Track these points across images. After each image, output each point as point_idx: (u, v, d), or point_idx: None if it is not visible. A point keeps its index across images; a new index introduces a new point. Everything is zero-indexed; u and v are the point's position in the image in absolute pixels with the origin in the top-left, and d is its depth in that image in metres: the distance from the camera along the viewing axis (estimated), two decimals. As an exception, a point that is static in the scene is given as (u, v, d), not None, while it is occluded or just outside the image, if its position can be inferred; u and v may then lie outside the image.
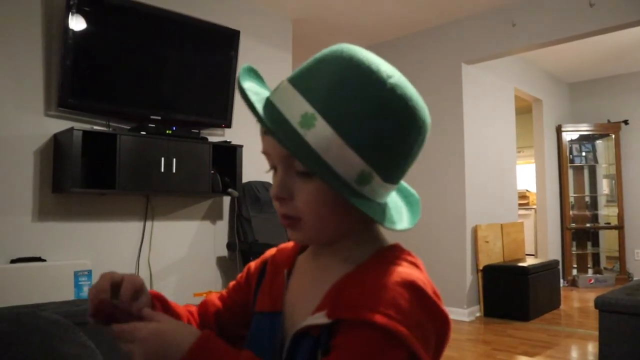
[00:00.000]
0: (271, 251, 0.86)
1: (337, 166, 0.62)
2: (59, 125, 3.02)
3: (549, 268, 4.95)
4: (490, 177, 5.04)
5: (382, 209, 0.69)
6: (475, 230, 4.68)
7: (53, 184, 3.00)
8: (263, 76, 0.76)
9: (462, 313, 4.53)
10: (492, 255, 4.87)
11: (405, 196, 0.78)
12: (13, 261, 2.82)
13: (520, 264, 4.72)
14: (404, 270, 0.65)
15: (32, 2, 3.01)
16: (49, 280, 2.78)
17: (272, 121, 0.64)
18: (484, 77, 5.03)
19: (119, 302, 0.69)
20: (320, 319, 0.63)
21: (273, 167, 0.71)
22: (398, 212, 0.73)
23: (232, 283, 0.90)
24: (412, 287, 0.63)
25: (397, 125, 0.64)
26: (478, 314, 4.70)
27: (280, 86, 0.67)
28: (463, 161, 4.63)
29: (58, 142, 2.99)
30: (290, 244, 0.83)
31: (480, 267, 4.69)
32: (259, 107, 0.65)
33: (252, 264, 0.88)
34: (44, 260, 2.90)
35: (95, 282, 0.72)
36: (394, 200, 0.75)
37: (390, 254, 0.70)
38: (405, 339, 0.59)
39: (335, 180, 0.63)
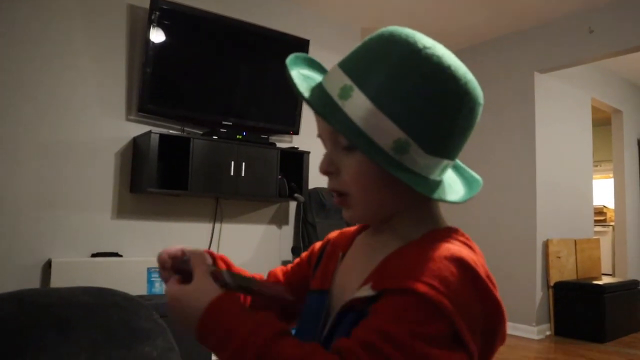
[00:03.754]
0: (334, 233, 0.89)
1: (374, 135, 0.63)
2: (138, 129, 3.21)
3: (627, 288, 4.66)
4: (564, 191, 4.83)
5: (430, 183, 0.68)
6: (546, 245, 4.50)
7: (131, 184, 3.19)
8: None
9: (530, 331, 4.35)
10: (565, 271, 4.65)
11: (469, 182, 0.77)
12: (93, 255, 3.01)
13: (596, 282, 4.48)
14: (453, 247, 0.65)
15: (118, 16, 3.24)
16: (124, 275, 2.95)
17: (315, 97, 0.67)
18: (558, 86, 4.86)
19: (188, 259, 0.74)
20: (366, 291, 0.64)
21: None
22: (453, 190, 0.72)
23: (296, 260, 0.93)
24: (460, 263, 0.62)
25: (432, 92, 0.64)
26: (548, 333, 4.49)
27: (330, 69, 0.71)
28: (534, 173, 4.47)
29: (137, 145, 3.18)
30: (352, 228, 0.85)
31: (551, 284, 4.49)
32: (299, 83, 0.68)
33: (317, 244, 0.90)
34: (121, 256, 3.08)
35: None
36: (452, 181, 0.74)
37: (444, 233, 0.69)
38: (447, 311, 0.57)
39: (373, 149, 0.63)
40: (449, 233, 0.69)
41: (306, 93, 0.67)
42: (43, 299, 1.07)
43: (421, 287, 0.58)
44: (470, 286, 0.61)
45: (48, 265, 2.86)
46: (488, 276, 0.63)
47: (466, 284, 0.61)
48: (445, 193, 0.70)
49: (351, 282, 0.71)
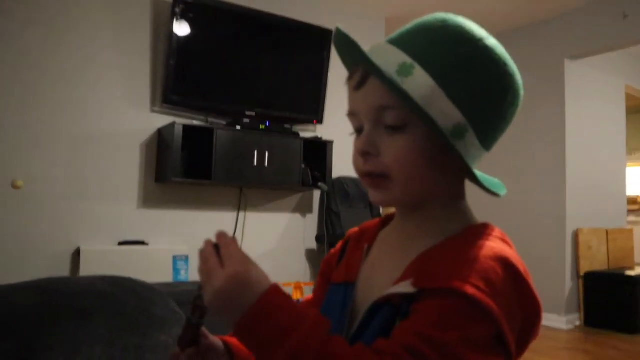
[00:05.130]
0: (354, 229, 0.85)
1: (433, 115, 0.61)
2: (163, 120, 3.25)
3: (661, 279, 4.53)
4: (596, 180, 4.70)
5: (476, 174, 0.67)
6: (576, 235, 4.40)
7: (156, 174, 3.24)
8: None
9: (560, 321, 4.28)
10: (595, 262, 4.55)
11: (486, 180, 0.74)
12: (120, 243, 3.08)
13: (628, 273, 4.37)
14: (496, 246, 0.63)
15: (142, 10, 3.28)
16: (150, 263, 3.00)
17: (373, 70, 0.63)
18: (589, 73, 4.71)
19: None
20: (405, 287, 0.61)
21: (358, 129, 0.69)
22: (487, 182, 0.69)
23: (317, 284, 0.88)
24: (504, 262, 0.60)
25: (493, 83, 0.65)
26: (578, 323, 4.41)
27: (376, 46, 0.68)
28: (564, 162, 4.36)
29: (161, 136, 3.23)
30: (374, 221, 0.82)
31: (582, 274, 4.40)
32: (364, 50, 0.65)
33: (332, 250, 0.87)
34: (147, 244, 3.14)
35: None
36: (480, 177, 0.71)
37: (482, 230, 0.66)
38: (494, 315, 0.55)
39: (435, 130, 0.62)
40: (486, 229, 0.67)
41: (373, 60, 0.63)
42: (63, 287, 1.10)
43: (469, 289, 0.56)
44: (513, 287, 0.60)
45: (77, 253, 2.94)
46: (527, 274, 0.62)
47: (510, 284, 0.59)
48: (488, 181, 0.69)
49: (381, 275, 0.69)
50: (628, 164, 5.42)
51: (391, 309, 0.62)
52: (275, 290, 0.57)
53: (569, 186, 4.36)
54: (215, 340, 0.73)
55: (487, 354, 0.56)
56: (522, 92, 0.68)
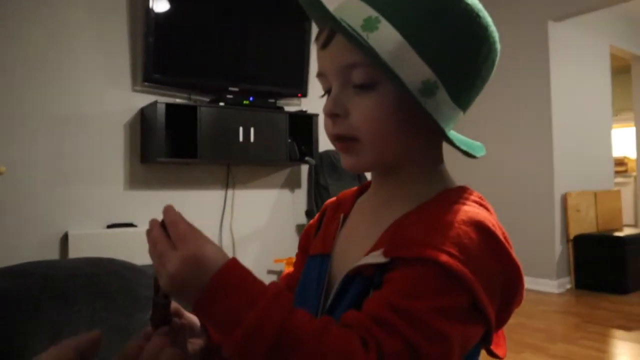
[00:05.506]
0: (331, 199, 0.83)
1: (400, 72, 0.58)
2: (145, 99, 3.19)
3: (649, 238, 4.59)
4: (582, 143, 4.71)
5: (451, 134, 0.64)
6: (565, 198, 4.43)
7: (141, 154, 3.19)
8: None
9: (551, 285, 4.33)
10: (584, 224, 4.59)
11: (465, 142, 0.72)
12: (109, 226, 3.04)
13: (617, 234, 4.42)
14: (471, 210, 0.60)
15: (118, -16, 3.18)
16: (139, 245, 2.94)
17: (335, 26, 0.60)
18: (574, 34, 4.68)
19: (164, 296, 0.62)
20: (377, 258, 0.58)
21: (327, 90, 0.66)
22: (463, 143, 0.67)
23: (296, 256, 0.86)
24: (479, 226, 0.57)
25: (465, 35, 0.61)
26: (569, 286, 4.47)
27: (342, 2, 0.64)
28: (550, 126, 4.36)
29: (144, 115, 3.17)
30: (351, 189, 0.80)
31: (571, 237, 4.44)
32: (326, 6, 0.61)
33: (310, 222, 0.84)
34: (135, 226, 3.11)
35: None
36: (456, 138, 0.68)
37: (458, 193, 0.64)
38: (468, 282, 0.53)
39: (402, 87, 0.58)
40: (462, 193, 0.64)
41: (334, 16, 0.59)
42: (44, 271, 1.07)
43: (442, 257, 0.53)
44: (489, 251, 0.57)
45: (65, 238, 2.90)
46: (505, 238, 0.59)
47: (486, 249, 0.57)
48: (462, 141, 0.66)
49: (355, 245, 0.67)
50: (614, 125, 5.43)
51: (364, 280, 0.60)
52: (233, 266, 0.53)
53: (555, 150, 4.36)
54: (192, 317, 0.71)
55: (462, 322, 0.54)
56: (497, 46, 0.64)
